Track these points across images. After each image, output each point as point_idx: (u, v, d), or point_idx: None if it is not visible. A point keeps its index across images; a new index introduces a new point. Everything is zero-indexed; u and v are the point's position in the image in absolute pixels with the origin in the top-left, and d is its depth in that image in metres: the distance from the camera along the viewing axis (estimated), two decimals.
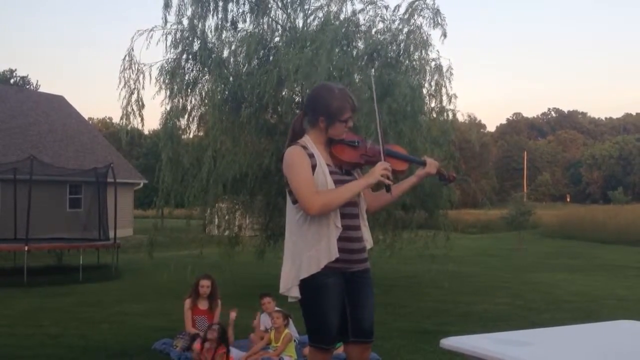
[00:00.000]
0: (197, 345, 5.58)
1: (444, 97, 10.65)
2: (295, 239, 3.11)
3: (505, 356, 2.14)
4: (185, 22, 10.00)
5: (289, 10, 10.54)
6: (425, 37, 10.29)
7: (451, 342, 2.37)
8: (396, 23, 10.31)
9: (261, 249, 11.17)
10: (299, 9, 10.49)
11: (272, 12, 10.56)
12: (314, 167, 3.07)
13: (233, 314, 6.14)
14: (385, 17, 10.33)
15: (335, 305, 3.06)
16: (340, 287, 3.08)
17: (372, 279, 3.28)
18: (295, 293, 3.09)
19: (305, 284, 3.05)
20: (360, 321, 3.13)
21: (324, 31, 9.37)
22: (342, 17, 10.20)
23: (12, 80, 49.81)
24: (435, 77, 10.59)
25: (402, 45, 10.23)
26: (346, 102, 3.15)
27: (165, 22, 9.93)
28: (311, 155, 3.09)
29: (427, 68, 10.51)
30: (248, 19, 10.47)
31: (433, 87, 10.69)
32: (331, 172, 3.11)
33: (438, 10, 10.27)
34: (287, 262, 3.13)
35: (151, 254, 10.74)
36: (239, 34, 10.26)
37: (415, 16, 10.25)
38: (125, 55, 9.84)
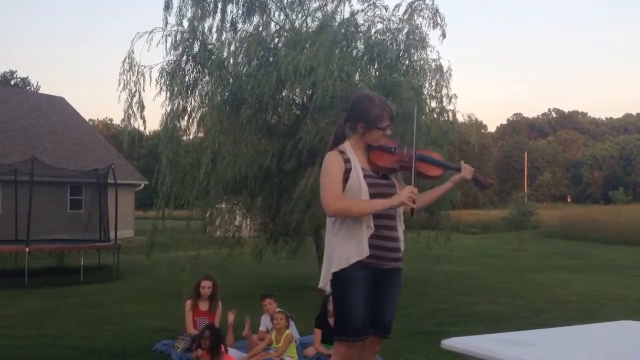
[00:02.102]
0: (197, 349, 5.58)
1: (444, 98, 10.66)
2: (331, 237, 3.27)
3: (506, 356, 2.14)
4: (186, 23, 10.02)
5: (287, 11, 10.54)
6: (424, 38, 10.30)
7: (452, 343, 2.37)
8: (396, 23, 10.32)
9: (260, 250, 11.17)
10: (297, 9, 10.50)
11: (272, 14, 10.57)
12: (349, 170, 3.21)
13: (232, 316, 6.13)
14: (385, 18, 10.34)
15: (362, 298, 3.16)
16: (369, 282, 3.19)
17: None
18: (329, 287, 3.26)
19: (335, 277, 3.20)
20: (382, 315, 3.27)
21: (323, 32, 9.36)
22: (340, 17, 10.20)
23: (12, 82, 49.84)
24: (436, 78, 10.60)
25: (402, 45, 10.23)
26: (384, 111, 3.30)
27: (166, 23, 9.96)
28: (347, 160, 3.24)
29: (427, 68, 10.51)
30: (247, 21, 10.48)
31: (433, 88, 10.71)
32: (366, 176, 3.24)
33: (437, 10, 10.28)
34: (325, 259, 3.30)
35: (148, 255, 10.73)
36: (239, 35, 10.27)
37: (415, 16, 10.26)
38: (125, 58, 9.87)
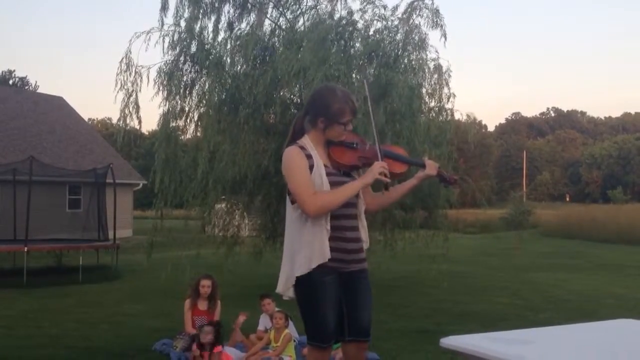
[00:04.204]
0: (195, 347, 5.59)
1: (443, 97, 10.68)
2: (292, 238, 3.13)
3: (505, 355, 2.14)
4: (183, 23, 10.02)
5: (282, 10, 10.55)
6: (423, 37, 10.31)
7: (451, 342, 2.37)
8: (395, 23, 10.32)
9: (259, 250, 11.17)
10: (294, 8, 10.50)
11: (269, 13, 10.58)
12: (311, 167, 3.06)
13: (242, 318, 6.15)
14: (384, 17, 10.34)
15: (331, 304, 3.07)
16: (337, 286, 3.10)
17: (372, 278, 3.28)
18: (290, 292, 3.13)
19: (302, 283, 3.07)
20: (357, 320, 3.15)
21: (314, 30, 9.37)
22: (337, 16, 10.19)
23: (11, 81, 49.77)
24: (435, 77, 10.61)
25: (400, 45, 10.24)
26: (346, 105, 3.13)
27: (162, 24, 9.97)
28: (309, 156, 3.09)
29: (426, 68, 10.52)
30: (244, 20, 10.50)
31: (432, 87, 10.72)
32: (328, 174, 3.10)
33: (437, 10, 10.28)
34: (285, 262, 3.15)
35: (149, 255, 10.73)
36: (235, 34, 10.28)
37: (414, 16, 10.27)
38: (123, 58, 9.88)
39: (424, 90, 10.63)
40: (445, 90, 10.60)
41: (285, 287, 3.14)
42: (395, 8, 10.34)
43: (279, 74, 8.92)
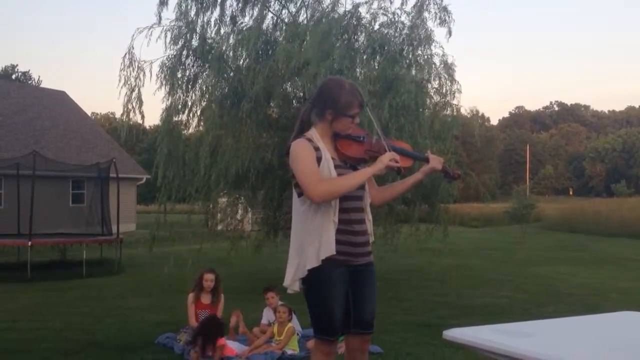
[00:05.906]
0: (198, 341, 5.61)
1: (448, 92, 10.65)
2: (299, 232, 3.13)
3: (507, 347, 2.14)
4: (184, 18, 9.99)
5: (284, 3, 10.51)
6: (429, 33, 10.27)
7: (454, 334, 2.37)
8: (401, 17, 10.29)
9: (259, 243, 11.18)
10: (298, 2, 10.47)
11: (271, 6, 10.55)
12: (319, 159, 3.07)
13: (234, 318, 6.15)
14: (389, 11, 10.31)
15: (339, 298, 3.08)
16: (345, 280, 3.10)
17: (375, 272, 3.29)
18: (296, 286, 3.13)
19: (310, 277, 3.07)
20: (361, 313, 3.16)
21: (318, 24, 9.34)
22: (341, 9, 10.15)
23: (13, 76, 49.80)
24: (440, 72, 10.58)
25: (406, 39, 10.20)
26: (354, 98, 3.14)
27: (160, 18, 9.92)
28: (317, 148, 3.09)
29: (432, 63, 10.48)
30: (247, 14, 10.47)
31: (437, 82, 10.69)
32: (336, 166, 3.11)
33: (446, 7, 10.24)
34: (293, 255, 3.15)
35: (151, 248, 10.76)
36: (238, 28, 10.26)
37: (421, 11, 10.22)
38: (126, 53, 9.87)
39: (429, 86, 10.61)
40: (451, 85, 10.58)
41: (292, 280, 3.14)
42: (404, 2, 10.30)
43: (280, 68, 8.90)
